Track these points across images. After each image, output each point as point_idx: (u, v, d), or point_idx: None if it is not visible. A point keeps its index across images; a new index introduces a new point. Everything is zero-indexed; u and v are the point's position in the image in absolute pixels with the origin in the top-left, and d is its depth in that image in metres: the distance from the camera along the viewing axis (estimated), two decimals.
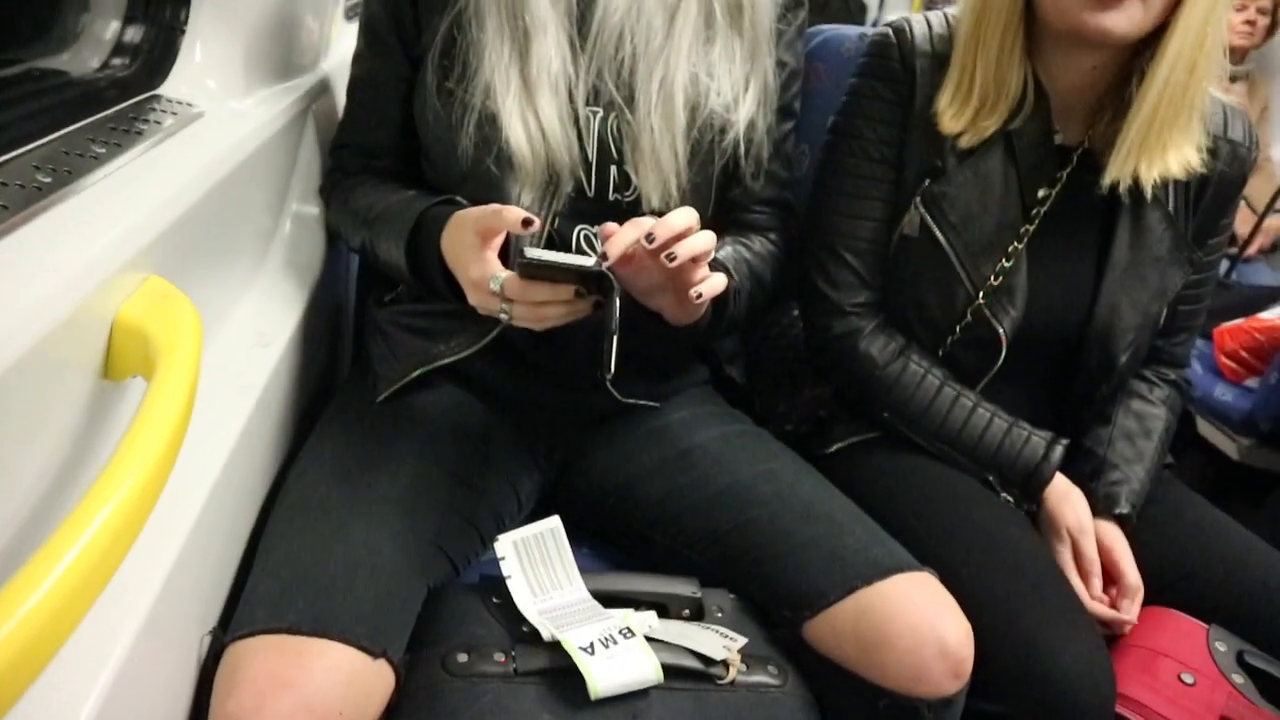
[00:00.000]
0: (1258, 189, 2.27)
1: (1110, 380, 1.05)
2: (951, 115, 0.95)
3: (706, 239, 0.74)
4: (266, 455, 0.89)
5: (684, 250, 0.72)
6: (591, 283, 0.74)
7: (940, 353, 1.03)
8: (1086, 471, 1.04)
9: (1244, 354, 1.78)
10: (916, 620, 0.77)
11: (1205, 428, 1.83)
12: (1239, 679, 0.91)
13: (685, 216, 0.73)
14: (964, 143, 0.96)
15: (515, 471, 0.95)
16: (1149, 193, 0.95)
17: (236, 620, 0.73)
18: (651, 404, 0.99)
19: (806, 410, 1.11)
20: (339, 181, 1.02)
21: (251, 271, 1.00)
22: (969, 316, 1.00)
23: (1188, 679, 0.90)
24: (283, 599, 0.72)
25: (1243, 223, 2.21)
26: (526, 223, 0.72)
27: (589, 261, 0.71)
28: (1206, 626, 0.96)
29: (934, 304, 1.01)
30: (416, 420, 0.92)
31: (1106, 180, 0.94)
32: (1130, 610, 0.95)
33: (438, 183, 0.93)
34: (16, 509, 0.55)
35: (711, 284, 0.77)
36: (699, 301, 0.76)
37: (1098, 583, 0.96)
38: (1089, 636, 0.86)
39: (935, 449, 1.01)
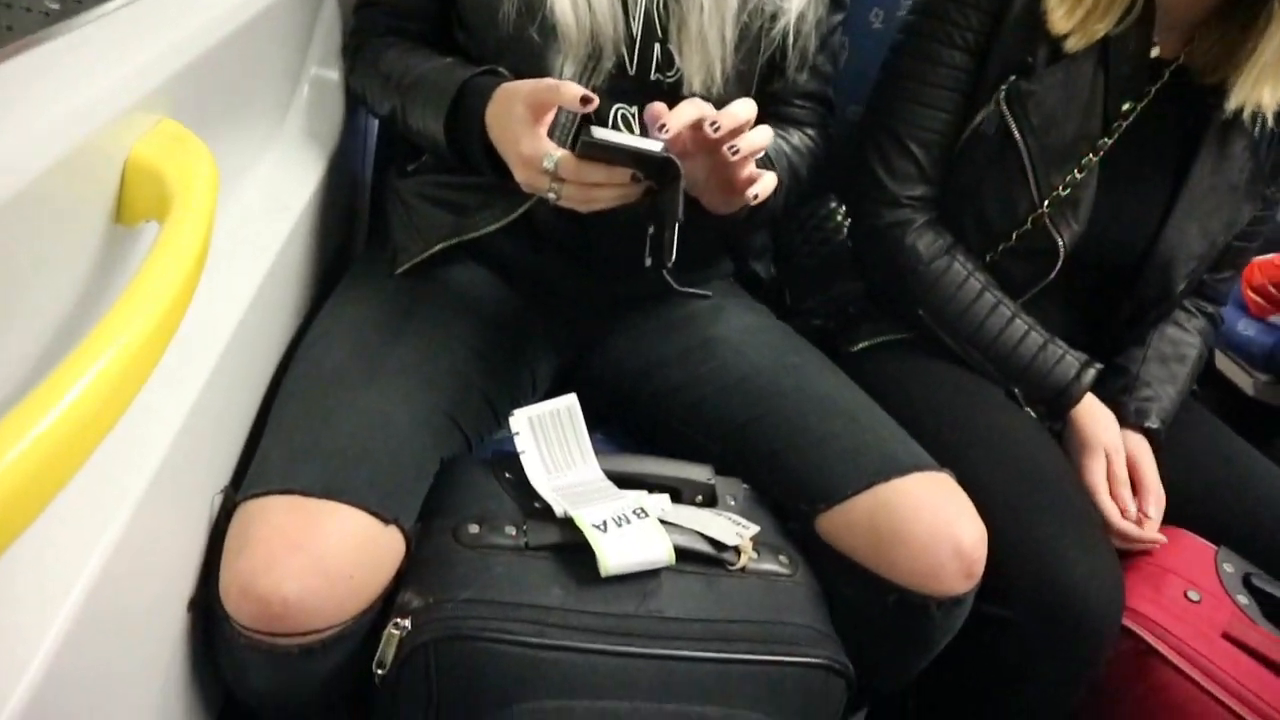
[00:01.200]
0: None
1: (1161, 308, 1.03)
2: (1063, 14, 0.90)
3: (765, 135, 0.71)
4: (281, 321, 0.88)
5: (745, 145, 0.69)
6: (651, 167, 0.70)
7: (988, 259, 1.00)
8: (1118, 386, 1.02)
9: (1271, 289, 1.74)
10: (933, 519, 0.77)
11: (1224, 362, 1.80)
12: (1243, 599, 0.92)
13: (747, 109, 0.70)
14: (1070, 45, 0.91)
15: (533, 353, 0.94)
16: (1270, 119, 0.92)
17: (248, 481, 0.72)
18: (704, 293, 0.96)
19: (835, 306, 1.09)
20: (365, 42, 0.97)
21: (268, 135, 0.96)
22: (1029, 224, 0.97)
23: (1194, 596, 0.91)
24: (295, 462, 0.71)
25: None
26: (585, 100, 0.69)
27: (656, 146, 0.68)
28: (1216, 548, 0.96)
29: (994, 208, 0.98)
30: (435, 294, 0.90)
31: (1231, 105, 0.90)
32: (1153, 524, 0.94)
33: (473, 50, 0.89)
34: (23, 348, 0.53)
35: (764, 184, 0.74)
36: (755, 202, 0.73)
37: (1127, 494, 0.95)
38: (1103, 549, 0.86)
39: (966, 355, 1.00)
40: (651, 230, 0.72)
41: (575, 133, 0.66)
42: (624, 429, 0.95)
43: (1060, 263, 0.96)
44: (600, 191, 0.70)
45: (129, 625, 0.61)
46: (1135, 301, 1.01)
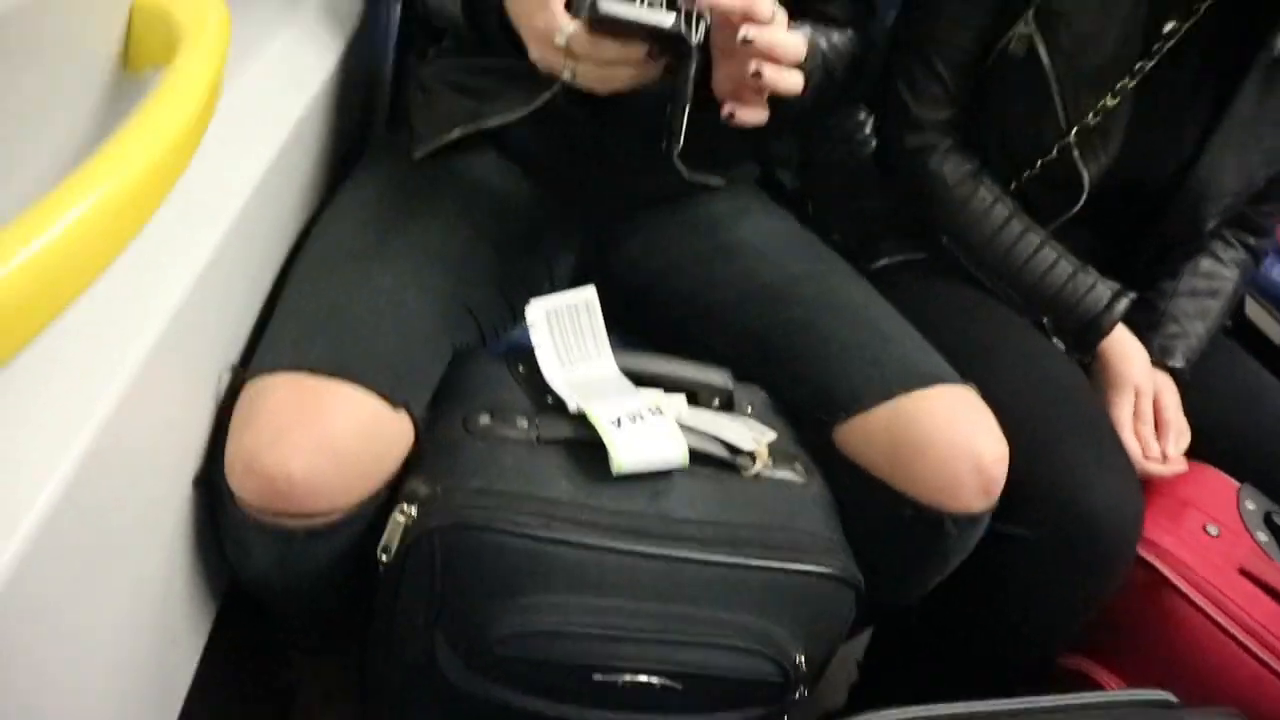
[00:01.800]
0: None
1: (1190, 245, 0.99)
2: None
3: (791, 42, 0.66)
4: (295, 198, 0.85)
5: (772, 75, 0.65)
6: (667, 44, 0.66)
7: (1013, 186, 0.97)
8: (1145, 321, 0.99)
9: None
10: (953, 432, 0.75)
11: (1254, 309, 1.76)
12: (1263, 536, 0.90)
13: (793, 41, 0.65)
14: None
15: (550, 248, 0.91)
16: None
17: (257, 358, 0.70)
18: (715, 181, 0.92)
19: (858, 221, 1.05)
20: None
21: (285, 7, 0.92)
22: (1054, 153, 0.93)
23: (1212, 530, 0.89)
24: (304, 339, 0.69)
25: None
26: None
27: (667, 20, 0.64)
28: (1239, 484, 0.95)
29: (1018, 135, 0.94)
30: (453, 182, 0.87)
31: None
32: (1175, 461, 0.92)
33: None
34: (24, 191, 0.51)
35: (749, 114, 0.68)
36: (731, 123, 0.68)
37: (1150, 433, 0.93)
38: (1125, 474, 0.84)
39: (991, 283, 0.96)
40: (668, 111, 0.68)
41: (591, 5, 0.63)
42: (642, 331, 0.93)
43: (1085, 196, 0.92)
44: (616, 70, 0.66)
45: (130, 493, 0.59)
46: (1161, 237, 0.97)
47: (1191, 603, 0.85)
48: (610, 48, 0.66)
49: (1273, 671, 0.81)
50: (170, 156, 0.46)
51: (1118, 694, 0.77)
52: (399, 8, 1.11)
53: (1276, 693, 0.81)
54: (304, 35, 0.94)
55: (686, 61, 0.65)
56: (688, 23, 0.63)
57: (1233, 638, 0.83)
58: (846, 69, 0.92)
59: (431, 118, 0.88)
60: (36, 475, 0.47)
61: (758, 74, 0.64)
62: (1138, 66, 0.90)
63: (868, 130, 1.09)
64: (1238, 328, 1.81)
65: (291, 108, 0.84)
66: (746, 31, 0.63)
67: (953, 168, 0.95)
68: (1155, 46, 0.90)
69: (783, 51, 0.65)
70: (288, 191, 0.83)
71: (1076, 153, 0.92)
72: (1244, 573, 0.87)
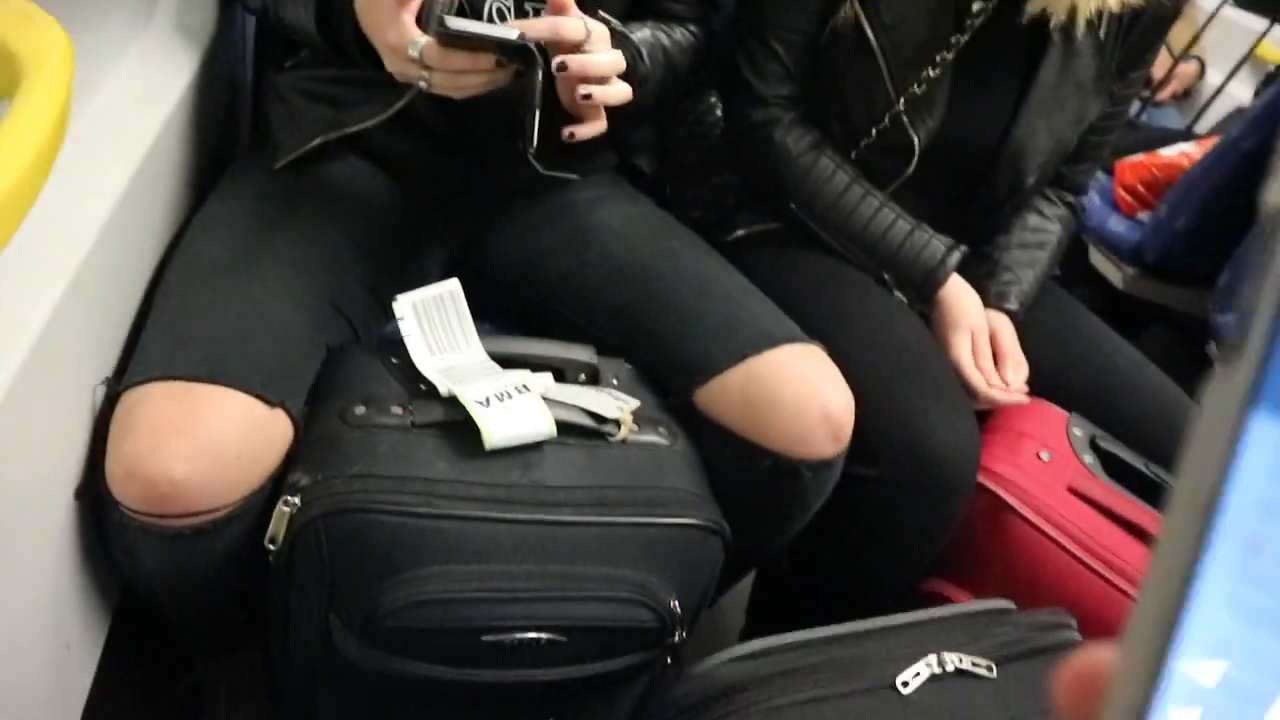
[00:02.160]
0: (1177, 33, 2.29)
1: (1014, 200, 1.08)
2: None
3: (604, 61, 0.74)
4: (157, 214, 0.87)
5: (576, 65, 0.73)
6: (513, 54, 0.72)
7: (853, 155, 1.04)
8: (982, 271, 1.08)
9: (1140, 188, 1.84)
10: (801, 386, 0.82)
11: (1096, 258, 1.91)
12: (1089, 459, 1.00)
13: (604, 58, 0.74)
14: None
15: (418, 245, 0.95)
16: (1082, 23, 0.96)
17: (130, 370, 0.72)
18: (570, 176, 0.98)
19: (714, 197, 1.12)
20: None
21: (134, 25, 0.93)
22: (886, 121, 1.01)
23: (1044, 456, 0.98)
24: (177, 349, 0.72)
25: (1158, 67, 2.24)
26: None
27: (511, 34, 0.69)
28: (1067, 414, 1.04)
29: (854, 105, 1.02)
30: (316, 188, 0.90)
31: (1033, 6, 0.94)
32: (1017, 382, 1.01)
33: None
34: None
35: (586, 128, 0.77)
36: (570, 140, 0.76)
37: (989, 364, 1.01)
38: (962, 414, 0.92)
39: (838, 244, 1.04)
40: (521, 115, 0.74)
41: (439, 22, 0.68)
42: (514, 319, 0.98)
43: (916, 158, 1.01)
44: (468, 78, 0.72)
45: (8, 509, 0.62)
46: (989, 193, 1.06)
47: (1028, 521, 0.94)
48: (460, 59, 0.71)
49: (1099, 576, 0.91)
50: (17, 190, 0.48)
51: (963, 605, 0.85)
52: (255, 21, 1.13)
53: (1103, 594, 0.91)
54: (156, 51, 0.95)
55: (533, 69, 0.70)
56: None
57: (1064, 549, 0.93)
58: (691, 61, 0.98)
59: (291, 127, 0.91)
60: None
61: (586, 96, 0.70)
62: (953, 41, 0.98)
63: (718, 113, 1.16)
64: (1081, 276, 1.96)
65: (147, 124, 0.85)
66: (558, 60, 0.69)
67: (795, 140, 1.03)
68: (967, 23, 0.99)
69: (597, 72, 0.71)
70: (151, 206, 0.85)
71: (906, 119, 1.00)
72: (1073, 491, 0.96)
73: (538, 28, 0.72)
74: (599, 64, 0.74)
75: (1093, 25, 0.99)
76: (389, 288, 0.90)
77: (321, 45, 0.84)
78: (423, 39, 0.70)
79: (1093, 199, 1.90)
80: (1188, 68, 2.47)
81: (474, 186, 0.96)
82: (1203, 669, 0.15)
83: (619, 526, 0.75)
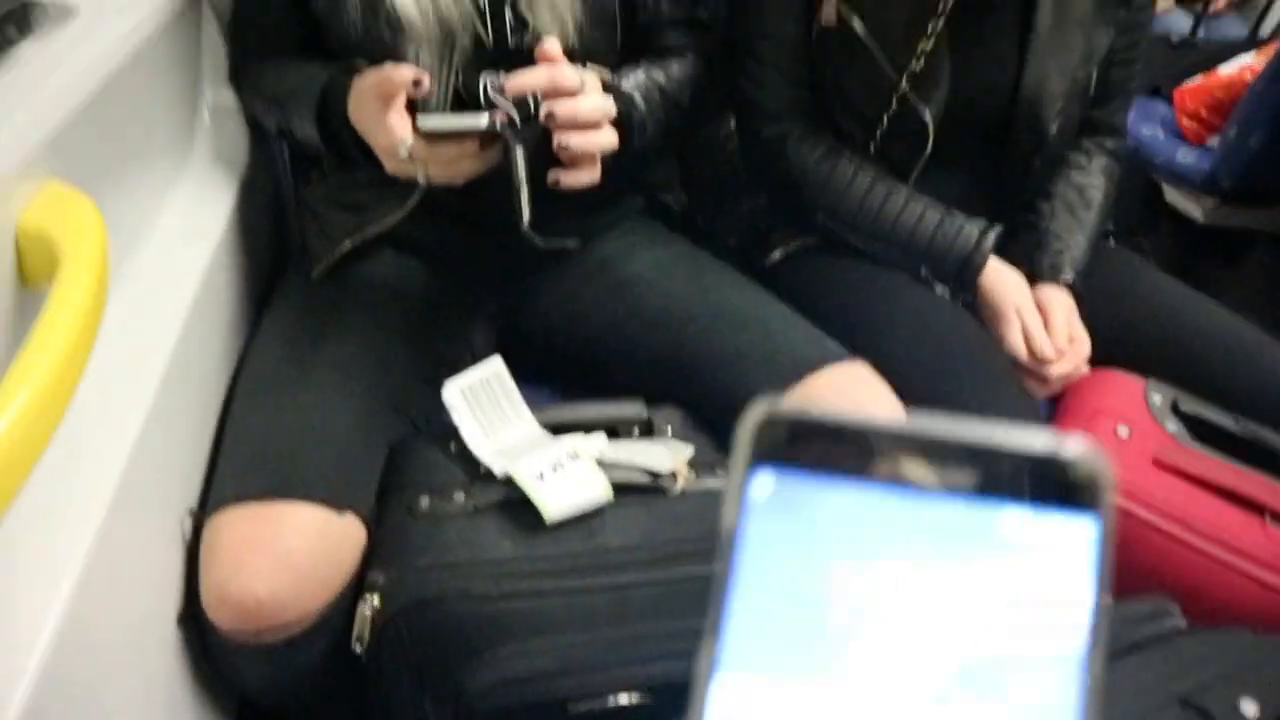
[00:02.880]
0: None
1: (1043, 153, 1.04)
2: None
3: (593, 106, 0.74)
4: (220, 343, 0.92)
5: (577, 141, 0.74)
6: (492, 137, 0.74)
7: (872, 148, 1.03)
8: (1030, 243, 1.05)
9: (1204, 113, 1.75)
10: (847, 407, 0.81)
11: (1171, 194, 1.82)
12: (1172, 426, 0.96)
13: (587, 101, 0.74)
14: None
15: (463, 325, 0.98)
16: None
17: (211, 499, 0.78)
18: (569, 244, 0.99)
19: (746, 222, 1.12)
20: (245, 66, 1.01)
21: (175, 169, 1.00)
22: (894, 105, 0.99)
23: (1123, 432, 0.95)
24: (247, 471, 0.77)
25: None
26: (416, 83, 0.72)
27: (482, 121, 0.72)
28: (1145, 381, 1.00)
29: (859, 96, 1.01)
30: (358, 290, 0.94)
31: None
32: (1071, 359, 0.97)
33: (340, 54, 0.92)
34: None
35: (572, 177, 0.76)
36: (556, 188, 0.76)
37: (1043, 343, 0.97)
38: (1024, 404, 0.90)
39: (870, 247, 1.03)
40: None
41: (414, 124, 0.72)
42: (564, 382, 1.00)
43: (932, 134, 0.98)
44: (460, 165, 0.74)
45: (115, 644, 0.67)
46: (1016, 153, 1.03)
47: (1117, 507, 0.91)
48: (446, 150, 0.74)
49: (1199, 552, 0.87)
50: (66, 369, 0.53)
51: None
52: (286, 144, 1.19)
53: (1205, 571, 0.87)
54: (200, 186, 1.01)
55: (512, 148, 0.72)
56: (515, 118, 0.71)
57: (1158, 529, 0.89)
58: (692, 92, 0.99)
59: (323, 238, 0.96)
60: (21, 640, 0.54)
61: (564, 146, 0.71)
62: (940, 7, 0.96)
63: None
64: (1162, 215, 1.87)
65: (197, 258, 0.91)
66: (546, 107, 0.71)
67: (809, 149, 1.02)
68: None
69: (586, 117, 0.72)
70: (211, 338, 0.91)
71: (913, 98, 0.98)
72: (1160, 464, 0.92)
73: (535, 77, 0.73)
74: (588, 109, 0.74)
75: None
76: (443, 373, 0.93)
77: (330, 154, 0.88)
78: (409, 138, 0.74)
79: (1156, 134, 1.82)
80: None
81: (504, 258, 0.99)
82: None
83: (686, 580, 0.76)
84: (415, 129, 0.71)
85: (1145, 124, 1.82)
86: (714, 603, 0.21)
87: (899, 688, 0.19)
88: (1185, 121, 1.78)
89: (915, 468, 0.20)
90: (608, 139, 0.75)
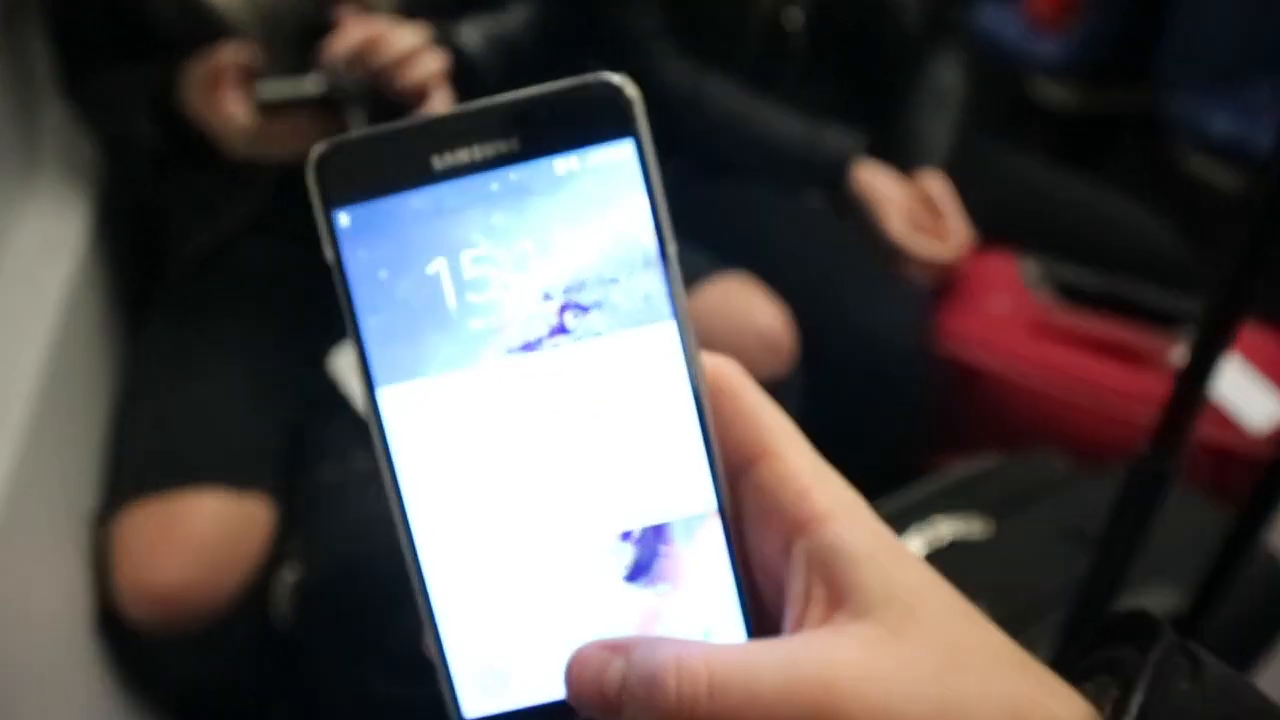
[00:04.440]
0: None
1: (903, 55, 1.07)
2: None
3: (404, 39, 0.74)
4: (100, 351, 0.90)
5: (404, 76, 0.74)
6: (330, 105, 0.74)
7: (738, 63, 1.04)
8: (897, 139, 1.08)
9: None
10: (731, 315, 0.83)
11: (1041, 87, 1.87)
12: (1045, 293, 1.00)
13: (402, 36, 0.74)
14: None
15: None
16: None
17: (112, 500, 0.77)
18: None
19: None
20: (76, 78, 0.97)
21: (19, 185, 0.96)
22: (757, 16, 1.01)
23: (1000, 305, 0.99)
24: (144, 468, 0.76)
25: None
26: (248, 65, 0.72)
27: (313, 86, 0.72)
28: (1017, 256, 1.04)
29: (722, 10, 1.02)
30: (233, 282, 0.92)
31: None
32: (955, 240, 1.00)
33: (167, 53, 0.90)
34: None
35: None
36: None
37: (927, 228, 1.00)
38: (901, 289, 0.93)
39: (740, 159, 1.04)
40: None
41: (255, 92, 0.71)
42: None
43: (797, 44, 1.00)
44: (298, 140, 0.74)
45: (28, 658, 0.66)
46: (877, 58, 1.05)
47: (999, 375, 0.95)
48: (286, 124, 0.73)
49: (1081, 406, 0.92)
50: None
51: (952, 470, 0.86)
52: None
53: (1091, 421, 0.91)
54: (52, 202, 0.98)
55: (349, 109, 0.73)
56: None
57: (1039, 391, 0.93)
58: (535, 35, 0.98)
59: (176, 239, 0.94)
60: None
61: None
62: None
63: None
64: (1028, 112, 1.91)
65: (59, 270, 0.88)
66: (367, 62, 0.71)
67: (676, 71, 1.03)
68: None
69: (399, 48, 0.73)
70: (87, 350, 0.88)
71: (775, 6, 0.99)
72: (1037, 330, 0.97)
73: (349, 38, 0.73)
74: (397, 40, 0.74)
75: None
76: (326, 344, 0.93)
77: (179, 151, 0.86)
78: (241, 112, 0.73)
79: (1014, 30, 1.86)
80: None
81: None
82: None
83: None
84: (254, 101, 0.71)
85: (1001, 23, 1.86)
86: (350, 335, 0.24)
87: (525, 334, 0.23)
88: (1036, 9, 1.83)
89: (467, 151, 0.23)
90: (437, 62, 0.76)
